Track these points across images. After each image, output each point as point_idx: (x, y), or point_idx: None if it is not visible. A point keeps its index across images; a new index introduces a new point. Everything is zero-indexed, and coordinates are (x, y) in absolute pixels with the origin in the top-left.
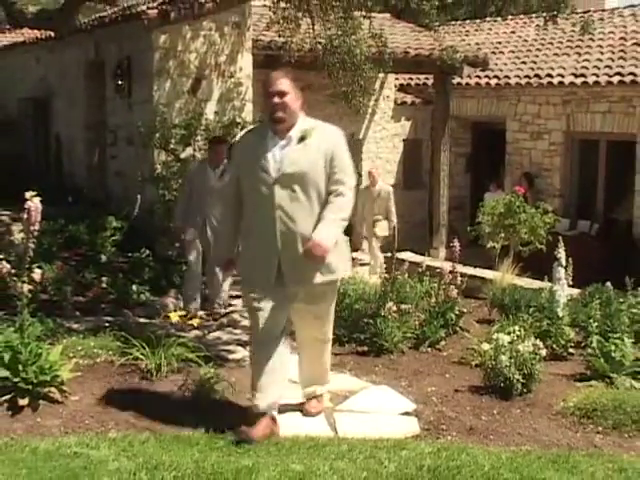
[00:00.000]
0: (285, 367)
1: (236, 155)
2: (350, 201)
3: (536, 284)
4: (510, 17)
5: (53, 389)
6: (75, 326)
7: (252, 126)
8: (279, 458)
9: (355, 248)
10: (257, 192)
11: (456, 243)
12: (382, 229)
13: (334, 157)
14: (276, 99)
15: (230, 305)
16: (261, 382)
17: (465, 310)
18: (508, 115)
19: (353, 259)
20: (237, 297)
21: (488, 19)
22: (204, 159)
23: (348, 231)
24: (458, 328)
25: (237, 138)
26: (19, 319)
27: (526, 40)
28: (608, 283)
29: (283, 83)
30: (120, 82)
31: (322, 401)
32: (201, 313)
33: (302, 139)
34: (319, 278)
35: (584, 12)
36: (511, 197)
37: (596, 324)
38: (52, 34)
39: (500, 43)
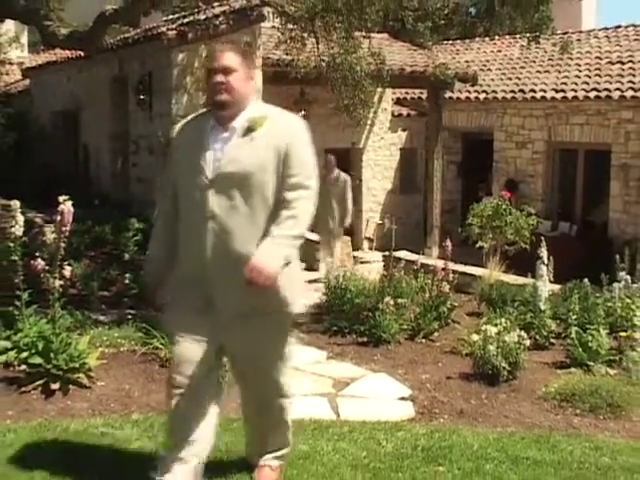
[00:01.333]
0: (208, 430)
1: (172, 152)
2: (309, 211)
3: (521, 280)
4: (497, 37)
5: (82, 375)
6: (101, 318)
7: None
8: None
9: (355, 248)
10: (189, 198)
11: (448, 243)
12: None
13: (290, 154)
14: (219, 77)
15: None
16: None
17: (456, 304)
18: (495, 126)
19: (354, 257)
20: None
21: (477, 39)
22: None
23: (349, 231)
24: (450, 320)
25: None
26: (51, 312)
27: (511, 59)
28: (586, 279)
29: (229, 58)
30: (142, 96)
31: (277, 471)
32: None
33: (249, 130)
34: (261, 312)
35: (563, 33)
36: (498, 201)
37: (575, 317)
38: (81, 53)
39: (488, 61)
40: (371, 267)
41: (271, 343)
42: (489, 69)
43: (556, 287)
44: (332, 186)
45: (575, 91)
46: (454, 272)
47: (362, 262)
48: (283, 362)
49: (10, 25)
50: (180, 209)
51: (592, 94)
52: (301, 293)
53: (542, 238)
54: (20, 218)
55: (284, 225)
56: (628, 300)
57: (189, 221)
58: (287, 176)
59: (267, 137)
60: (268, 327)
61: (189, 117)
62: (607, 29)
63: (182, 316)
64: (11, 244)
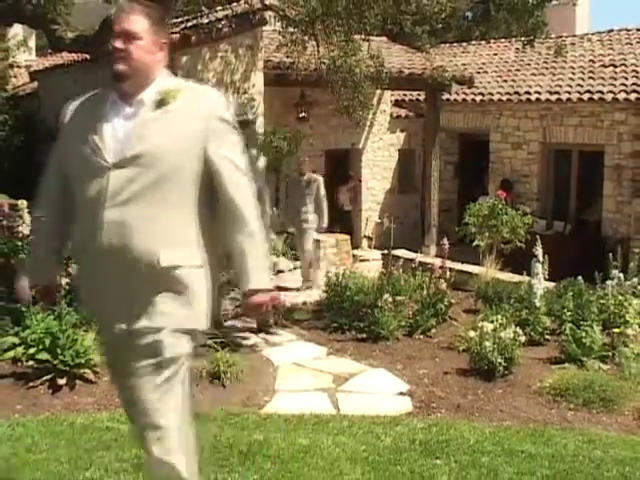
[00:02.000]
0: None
1: (61, 135)
2: (252, 196)
3: (516, 278)
4: (493, 41)
5: (87, 370)
6: None
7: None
8: (287, 433)
9: (355, 246)
10: (86, 185)
11: (445, 241)
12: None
13: (215, 130)
14: (117, 43)
15: None
16: None
17: (453, 301)
18: (491, 127)
19: (354, 256)
20: None
21: (473, 42)
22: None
23: (349, 229)
24: (447, 317)
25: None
26: (58, 309)
27: (507, 61)
28: (580, 277)
29: (133, 21)
30: None
31: None
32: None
33: (161, 103)
34: (155, 330)
35: (557, 37)
36: (494, 201)
37: (569, 313)
38: (87, 57)
39: (484, 64)
40: (370, 265)
41: (161, 366)
42: (485, 72)
43: (551, 285)
44: (306, 188)
45: (569, 93)
46: (451, 270)
47: (361, 260)
48: (169, 398)
49: (18, 29)
50: (76, 199)
51: (586, 96)
52: (206, 308)
53: (537, 237)
54: (27, 217)
55: (247, 226)
56: (621, 297)
57: (86, 213)
58: (216, 158)
59: (185, 111)
60: (160, 343)
61: (86, 95)
62: (600, 33)
63: (100, 327)
64: (19, 242)
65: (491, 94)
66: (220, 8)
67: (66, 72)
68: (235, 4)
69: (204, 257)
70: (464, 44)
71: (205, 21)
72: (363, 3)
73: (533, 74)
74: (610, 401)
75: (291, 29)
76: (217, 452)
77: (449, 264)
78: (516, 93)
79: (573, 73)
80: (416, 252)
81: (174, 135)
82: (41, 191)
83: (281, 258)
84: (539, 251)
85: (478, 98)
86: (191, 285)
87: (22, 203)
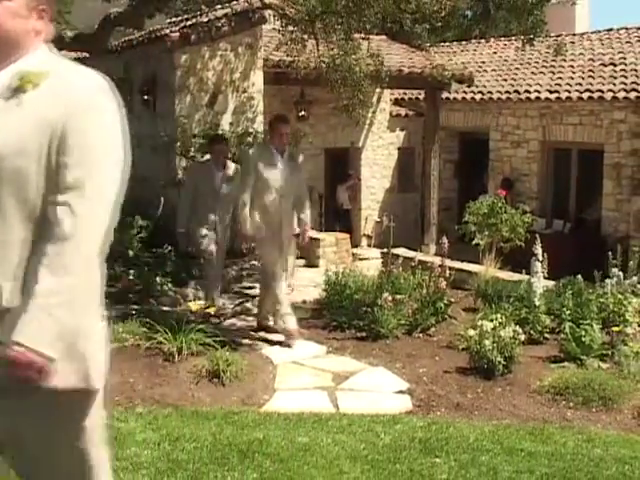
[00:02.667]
0: None
1: None
2: (90, 241)
3: (516, 277)
4: (492, 40)
5: None
6: (106, 313)
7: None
8: (287, 431)
9: (354, 245)
10: None
11: (445, 240)
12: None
13: (70, 132)
14: None
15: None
16: None
17: (453, 300)
18: (491, 126)
19: (353, 254)
20: (250, 288)
21: (473, 41)
22: (206, 161)
23: (349, 228)
24: (447, 316)
25: None
26: None
27: (506, 60)
28: (579, 276)
29: None
30: (146, 97)
31: None
32: (223, 301)
33: (16, 91)
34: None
35: (557, 36)
36: (494, 199)
37: (568, 312)
38: (87, 55)
39: (484, 62)
40: (370, 264)
41: (53, 440)
42: (485, 70)
43: (550, 283)
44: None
45: (569, 92)
46: (451, 269)
47: (361, 259)
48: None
49: None
50: None
51: (585, 95)
52: (100, 360)
53: (537, 235)
54: None
55: (47, 275)
56: (620, 296)
57: None
58: (62, 167)
59: (38, 103)
60: (46, 407)
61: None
62: (600, 32)
63: None
64: None
65: (491, 93)
66: (219, 7)
67: None
68: (235, 3)
69: None
70: (464, 43)
71: (204, 20)
72: (363, 2)
73: (533, 73)
74: (609, 400)
75: (291, 28)
76: (216, 451)
77: (449, 263)
78: (516, 92)
79: (573, 72)
80: (416, 250)
81: (16, 134)
82: None
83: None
84: (538, 250)
85: (478, 97)
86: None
87: None
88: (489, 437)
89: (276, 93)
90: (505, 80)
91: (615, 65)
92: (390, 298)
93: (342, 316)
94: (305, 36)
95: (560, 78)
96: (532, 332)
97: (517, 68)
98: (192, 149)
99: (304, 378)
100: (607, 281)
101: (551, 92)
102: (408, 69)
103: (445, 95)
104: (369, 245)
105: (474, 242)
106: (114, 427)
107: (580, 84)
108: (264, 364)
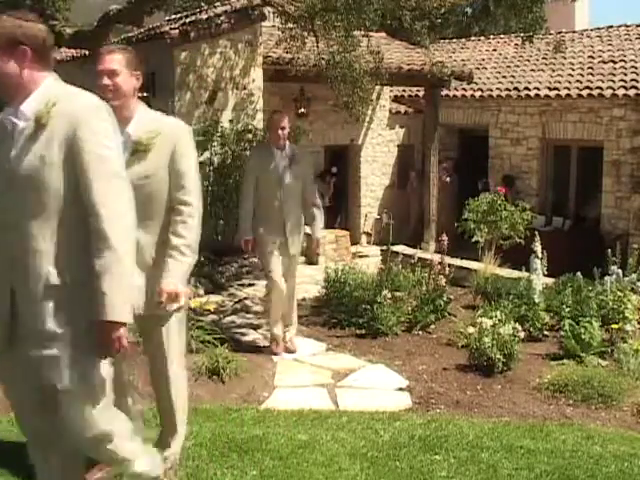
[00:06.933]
0: None
1: None
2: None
3: (515, 274)
4: (492, 37)
5: None
6: None
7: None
8: (286, 429)
9: (354, 242)
10: None
11: (444, 237)
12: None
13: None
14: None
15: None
16: None
17: (452, 297)
18: (490, 123)
19: (353, 253)
20: (250, 285)
21: (473, 38)
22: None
23: (347, 227)
24: (446, 313)
25: None
26: None
27: (506, 57)
28: (578, 273)
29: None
30: (145, 94)
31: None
32: (222, 298)
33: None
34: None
35: (557, 33)
36: (493, 196)
37: (568, 309)
38: (86, 53)
39: (483, 60)
40: (369, 261)
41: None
42: (484, 67)
43: (550, 280)
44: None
45: (568, 89)
46: (450, 266)
47: (360, 256)
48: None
49: None
50: None
51: (585, 92)
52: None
53: (536, 233)
54: None
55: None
56: (620, 293)
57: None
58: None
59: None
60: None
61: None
62: (599, 29)
63: None
64: None
65: (490, 90)
66: (219, 4)
67: (65, 68)
68: (234, 0)
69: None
70: (463, 40)
71: (204, 17)
72: None
73: (532, 70)
74: (609, 397)
75: (290, 25)
76: (216, 448)
77: (448, 260)
78: (515, 89)
79: (572, 69)
80: (415, 248)
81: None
82: None
83: None
84: (538, 247)
85: (477, 94)
86: None
87: None
88: (488, 434)
89: (276, 90)
90: (505, 77)
91: (615, 62)
92: (390, 295)
93: (342, 313)
94: (305, 33)
95: (560, 75)
96: (531, 329)
97: (517, 65)
98: None
99: (304, 375)
100: (606, 278)
101: (551, 89)
102: (408, 66)
103: (445, 92)
104: (369, 242)
105: (474, 239)
106: None
107: (580, 81)
108: (264, 361)
